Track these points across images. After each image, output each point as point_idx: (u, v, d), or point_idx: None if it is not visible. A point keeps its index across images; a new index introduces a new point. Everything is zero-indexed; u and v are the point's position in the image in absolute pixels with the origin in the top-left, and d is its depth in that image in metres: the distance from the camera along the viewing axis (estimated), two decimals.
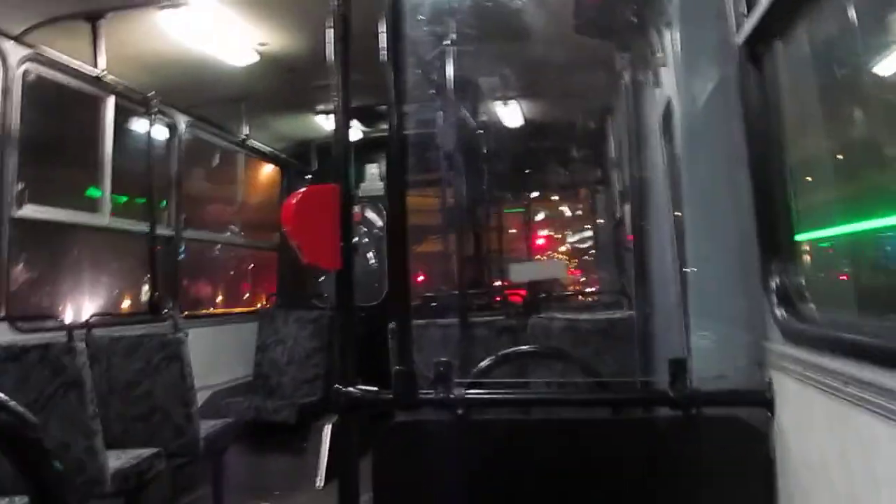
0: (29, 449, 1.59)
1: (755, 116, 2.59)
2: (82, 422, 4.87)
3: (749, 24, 2.50)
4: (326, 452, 7.61)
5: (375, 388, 2.76)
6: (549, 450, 2.80)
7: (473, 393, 2.83)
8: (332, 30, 2.80)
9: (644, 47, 4.67)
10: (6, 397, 1.62)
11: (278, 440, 7.93)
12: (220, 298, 10.52)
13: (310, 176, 9.74)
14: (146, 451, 5.55)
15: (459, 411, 2.75)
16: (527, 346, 5.27)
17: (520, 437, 2.89)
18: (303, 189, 2.91)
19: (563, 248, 14.87)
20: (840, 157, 2.52)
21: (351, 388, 2.71)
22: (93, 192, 6.63)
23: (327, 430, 7.73)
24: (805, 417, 2.21)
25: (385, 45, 2.86)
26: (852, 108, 2.43)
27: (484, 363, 3.96)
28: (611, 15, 4.86)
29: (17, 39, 5.31)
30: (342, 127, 2.79)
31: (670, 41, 3.71)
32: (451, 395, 2.75)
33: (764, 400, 2.53)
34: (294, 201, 2.79)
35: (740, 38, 2.60)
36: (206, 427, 6.42)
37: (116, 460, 5.26)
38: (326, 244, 2.70)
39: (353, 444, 2.86)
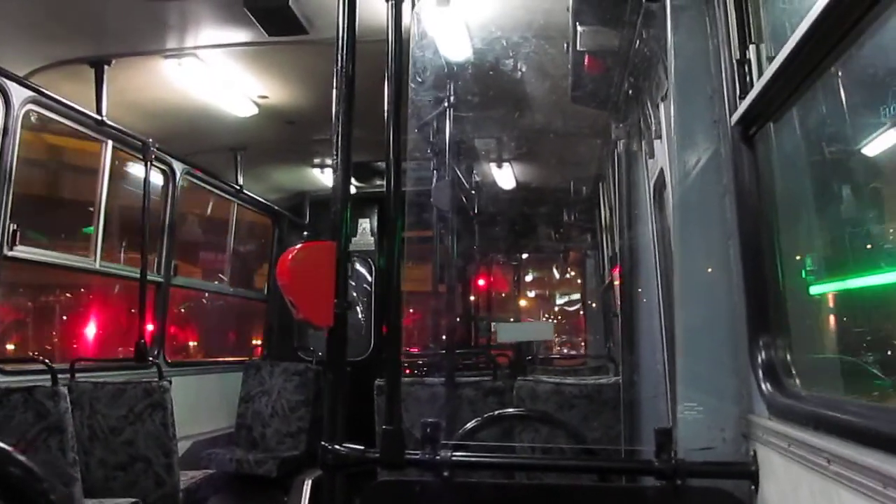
0: (36, 502, 1.60)
1: (746, 193, 2.66)
2: (61, 468, 4.82)
3: (743, 106, 2.58)
4: None
5: (362, 447, 2.76)
6: None
7: (460, 455, 2.83)
8: (336, 90, 2.86)
9: (639, 119, 4.76)
10: (15, 452, 1.64)
11: (259, 493, 7.83)
12: (205, 347, 10.48)
13: (306, 233, 9.78)
14: (124, 501, 5.48)
15: (446, 473, 2.74)
16: (514, 409, 5.26)
17: (505, 501, 2.89)
18: (299, 244, 2.94)
19: (551, 311, 14.90)
20: (828, 236, 2.58)
21: (338, 446, 2.71)
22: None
23: (308, 486, 7.65)
24: (789, 492, 2.23)
25: (387, 106, 2.92)
26: (840, 188, 2.50)
27: (471, 424, 3.97)
28: (608, 87, 4.96)
29: (21, 81, 5.36)
30: (341, 185, 2.83)
31: (665, 115, 3.80)
32: (438, 457, 2.75)
33: (748, 473, 2.55)
34: (290, 256, 2.82)
35: (734, 118, 2.68)
36: (187, 478, 6.36)
37: None
38: (320, 301, 2.72)
39: (338, 502, 2.85)
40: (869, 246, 2.37)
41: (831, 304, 2.52)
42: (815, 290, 2.61)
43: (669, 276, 4.16)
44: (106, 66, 5.63)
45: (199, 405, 7.99)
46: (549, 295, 14.91)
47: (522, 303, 13.67)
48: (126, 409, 5.98)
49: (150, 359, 6.95)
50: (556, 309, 14.71)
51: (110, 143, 6.57)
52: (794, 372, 2.44)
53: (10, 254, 5.45)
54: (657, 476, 2.63)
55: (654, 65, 3.99)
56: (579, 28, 4.29)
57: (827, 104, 2.33)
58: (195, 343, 10.44)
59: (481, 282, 11.78)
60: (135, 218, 7.00)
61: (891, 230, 2.31)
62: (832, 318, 2.50)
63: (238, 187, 8.33)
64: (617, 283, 6.04)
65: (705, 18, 2.98)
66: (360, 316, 9.75)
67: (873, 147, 2.26)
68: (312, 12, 4.80)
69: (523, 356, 8.61)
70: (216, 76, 5.93)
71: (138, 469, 5.91)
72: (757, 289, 2.61)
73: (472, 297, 11.23)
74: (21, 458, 1.65)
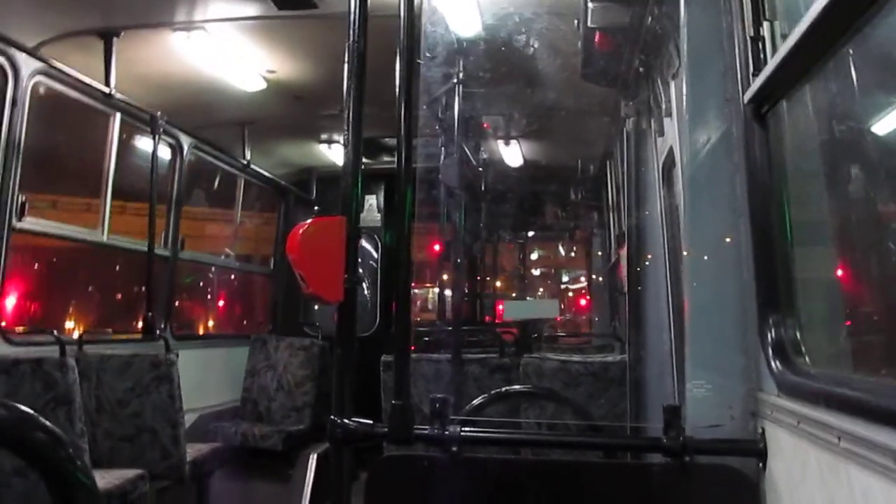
0: (62, 466, 1.61)
1: (758, 172, 2.65)
2: (69, 439, 4.85)
3: (756, 84, 2.57)
4: (312, 481, 7.58)
5: (370, 422, 2.78)
6: (540, 491, 2.82)
7: (468, 431, 2.85)
8: (347, 65, 2.85)
9: (649, 96, 4.74)
10: (39, 416, 1.65)
11: (264, 466, 7.88)
12: (211, 321, 10.51)
13: (317, 208, 9.79)
14: (131, 473, 5.52)
15: (454, 448, 2.76)
16: (521, 386, 5.28)
17: (512, 477, 2.91)
18: (308, 220, 2.94)
19: (557, 289, 14.91)
20: (839, 215, 2.58)
21: (346, 420, 2.73)
22: None
23: (313, 459, 7.70)
24: (797, 469, 2.24)
25: (398, 82, 2.91)
26: (853, 168, 2.49)
27: (478, 400, 3.99)
28: (618, 64, 4.93)
29: (30, 52, 5.35)
30: (352, 161, 2.83)
31: (676, 93, 3.78)
32: (446, 432, 2.77)
33: (756, 450, 2.56)
34: (300, 231, 2.82)
35: (746, 96, 2.67)
36: (193, 451, 6.40)
37: (100, 480, 5.21)
38: (330, 276, 2.73)
39: (345, 475, 2.87)
40: (880, 225, 2.37)
41: (842, 282, 2.52)
42: (825, 268, 2.61)
43: (677, 254, 4.16)
44: (115, 38, 5.61)
45: (206, 378, 8.03)
46: (556, 273, 14.91)
47: (528, 280, 13.68)
48: (133, 381, 6.01)
49: (158, 332, 6.99)
50: (563, 287, 14.71)
51: (118, 115, 6.56)
52: (803, 350, 2.44)
53: (18, 225, 5.46)
54: (665, 453, 2.64)
55: (665, 42, 3.96)
56: (591, 4, 4.27)
57: (841, 83, 2.32)
58: (200, 316, 10.46)
59: (488, 259, 11.79)
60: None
61: None
62: (842, 296, 2.50)
63: (245, 162, 8.34)
64: (624, 261, 6.05)
65: None
66: (366, 292, 9.78)
67: (887, 127, 2.24)
68: None
69: (529, 333, 8.62)
70: (225, 50, 5.91)
71: (145, 441, 5.95)
72: (767, 267, 2.61)
73: (478, 275, 11.24)
74: (46, 423, 1.66)
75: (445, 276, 7.64)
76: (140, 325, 7.00)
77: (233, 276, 10.55)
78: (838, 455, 1.87)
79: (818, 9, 1.98)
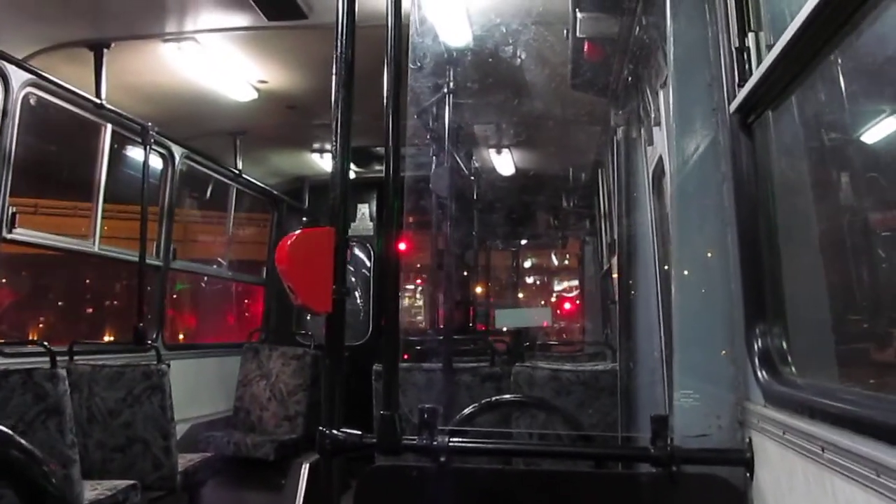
0: (37, 485, 1.61)
1: (745, 182, 2.66)
2: (60, 450, 4.83)
3: (742, 94, 2.58)
4: (304, 491, 7.56)
5: (359, 432, 2.77)
6: (529, 501, 2.82)
7: (457, 441, 2.84)
8: (335, 75, 2.86)
9: (638, 106, 4.76)
10: (14, 435, 1.64)
11: (256, 476, 7.85)
12: (203, 330, 10.51)
13: (306, 218, 9.80)
14: (122, 483, 5.50)
15: (442, 459, 2.76)
16: (511, 395, 5.28)
17: (501, 487, 2.91)
18: (298, 230, 2.93)
19: (549, 297, 14.91)
20: (826, 224, 2.59)
21: (335, 431, 2.72)
22: None
23: (305, 469, 7.68)
24: (783, 479, 2.24)
25: (386, 91, 2.92)
26: (839, 177, 2.50)
27: (468, 410, 3.98)
28: (607, 73, 4.95)
29: (21, 64, 5.35)
30: (340, 171, 2.82)
31: (664, 102, 3.80)
32: (435, 443, 2.76)
33: (743, 460, 2.57)
34: (289, 242, 2.81)
35: (733, 106, 2.68)
36: (185, 461, 6.38)
37: (92, 491, 5.21)
38: (319, 287, 2.72)
39: (335, 486, 2.86)
40: (867, 233, 2.38)
41: (828, 292, 2.53)
42: (811, 277, 2.62)
43: (667, 263, 4.17)
44: (105, 50, 5.62)
45: (198, 388, 8.02)
46: (548, 281, 14.93)
47: (520, 289, 13.69)
48: (124, 391, 6.00)
49: (149, 342, 6.97)
50: (554, 295, 14.72)
51: (109, 126, 6.56)
52: (790, 360, 2.45)
53: (9, 236, 5.45)
54: (653, 463, 2.65)
55: (653, 52, 3.98)
56: (579, 14, 4.29)
57: (826, 92, 2.33)
58: (191, 325, 10.45)
59: (480, 268, 11.80)
60: None
61: (888, 218, 2.31)
62: (829, 307, 2.50)
63: (237, 172, 8.34)
64: (615, 270, 6.05)
65: (704, 5, 2.98)
66: (358, 301, 9.77)
67: (872, 135, 2.26)
68: None
69: (521, 342, 8.62)
70: (215, 61, 5.92)
71: (136, 451, 5.94)
72: (754, 276, 2.62)
73: (470, 283, 11.24)
74: (22, 441, 1.66)
75: (437, 285, 7.63)
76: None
77: (225, 286, 10.53)
78: (823, 466, 1.87)
79: (802, 19, 1.99)
